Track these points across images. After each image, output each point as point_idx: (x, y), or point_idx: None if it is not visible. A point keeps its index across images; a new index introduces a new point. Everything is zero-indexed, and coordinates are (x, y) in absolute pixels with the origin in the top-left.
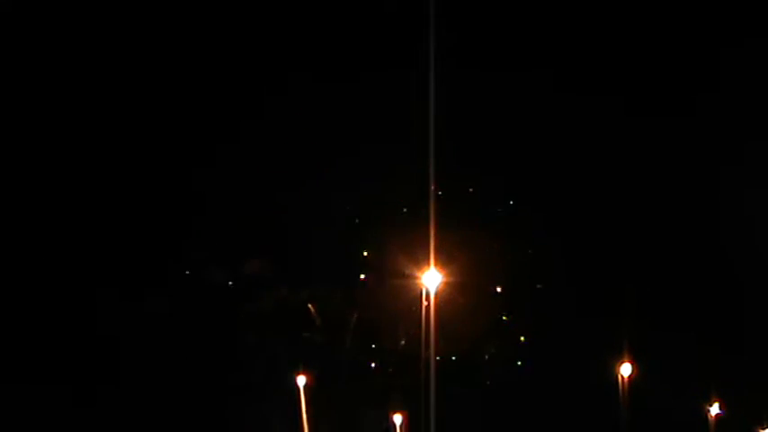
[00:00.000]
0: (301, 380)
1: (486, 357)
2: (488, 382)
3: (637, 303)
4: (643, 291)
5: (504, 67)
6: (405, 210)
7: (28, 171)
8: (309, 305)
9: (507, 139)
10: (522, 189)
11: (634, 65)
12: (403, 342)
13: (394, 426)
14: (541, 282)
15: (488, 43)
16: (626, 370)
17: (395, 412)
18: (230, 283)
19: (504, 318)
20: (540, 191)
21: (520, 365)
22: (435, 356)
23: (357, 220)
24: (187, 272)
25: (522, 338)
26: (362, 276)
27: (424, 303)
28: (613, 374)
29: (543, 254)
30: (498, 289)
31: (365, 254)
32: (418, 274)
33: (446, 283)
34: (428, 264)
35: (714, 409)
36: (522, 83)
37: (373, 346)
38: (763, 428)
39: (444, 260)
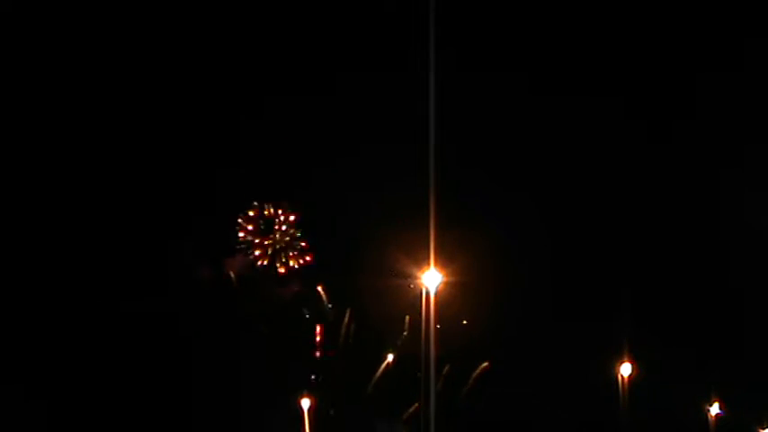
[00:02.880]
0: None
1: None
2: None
3: (637, 304)
4: (643, 292)
5: (506, 68)
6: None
7: (22, 169)
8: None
9: (507, 141)
10: (522, 191)
11: (634, 66)
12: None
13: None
14: (543, 283)
15: (490, 44)
16: (626, 370)
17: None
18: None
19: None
20: (541, 193)
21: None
22: (435, 356)
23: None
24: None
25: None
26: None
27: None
28: (613, 374)
29: (543, 256)
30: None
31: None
32: (418, 274)
33: (446, 284)
34: (428, 264)
35: (714, 409)
36: (522, 84)
37: None
38: (763, 428)
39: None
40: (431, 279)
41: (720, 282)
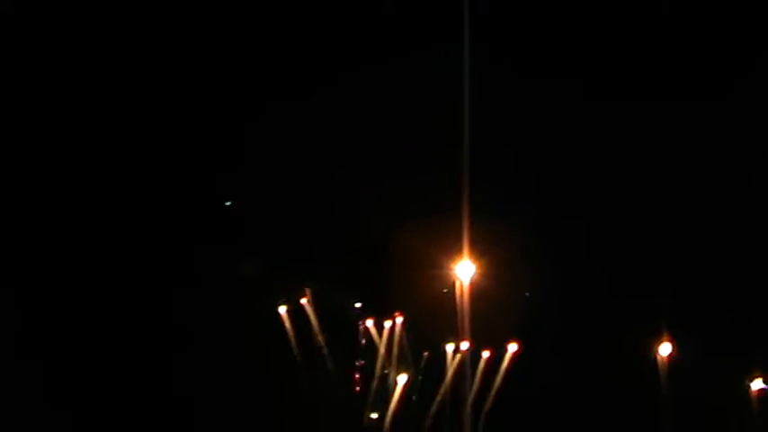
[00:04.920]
0: None
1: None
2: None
3: (674, 281)
4: (680, 267)
5: (540, 61)
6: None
7: (32, 173)
8: None
9: (541, 127)
10: (557, 171)
11: (659, 65)
12: None
13: None
14: (576, 262)
15: (524, 37)
16: (665, 350)
17: None
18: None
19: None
20: (575, 171)
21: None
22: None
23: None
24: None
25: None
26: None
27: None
28: (652, 354)
29: (578, 234)
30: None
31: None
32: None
33: (480, 275)
34: (461, 255)
35: (756, 384)
36: (556, 76)
37: None
38: None
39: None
40: (464, 270)
41: (758, 254)
